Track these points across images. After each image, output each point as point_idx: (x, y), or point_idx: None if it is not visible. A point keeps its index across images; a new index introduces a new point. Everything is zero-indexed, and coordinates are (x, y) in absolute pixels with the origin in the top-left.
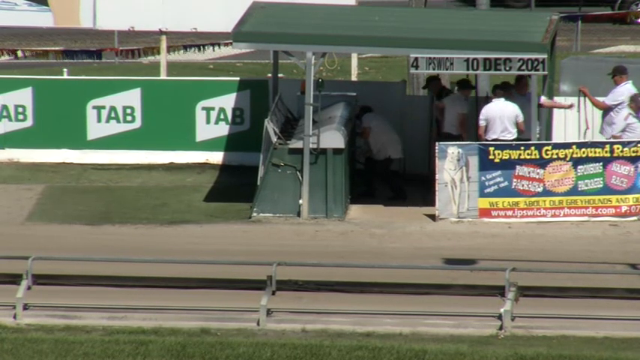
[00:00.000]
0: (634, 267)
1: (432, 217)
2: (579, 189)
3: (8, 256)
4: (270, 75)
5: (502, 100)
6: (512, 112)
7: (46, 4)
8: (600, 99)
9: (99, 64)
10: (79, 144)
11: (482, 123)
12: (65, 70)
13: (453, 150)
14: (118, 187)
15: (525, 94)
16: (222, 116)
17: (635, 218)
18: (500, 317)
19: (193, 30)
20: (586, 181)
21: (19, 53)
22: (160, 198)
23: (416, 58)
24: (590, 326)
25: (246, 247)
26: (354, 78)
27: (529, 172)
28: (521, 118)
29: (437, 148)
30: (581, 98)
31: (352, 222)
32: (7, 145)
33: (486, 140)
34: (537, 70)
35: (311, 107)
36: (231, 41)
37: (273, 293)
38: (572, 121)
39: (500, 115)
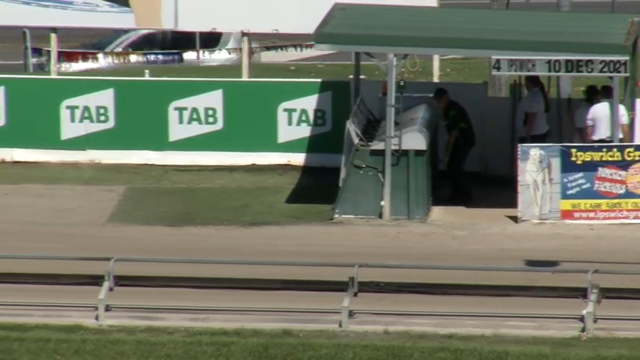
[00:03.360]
0: None
1: (514, 218)
2: None
3: (90, 257)
4: (351, 76)
5: (607, 103)
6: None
7: (128, 6)
8: None
9: (180, 66)
10: (161, 145)
11: (589, 123)
12: (147, 71)
13: (535, 152)
14: (200, 188)
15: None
16: (303, 117)
17: None
18: (581, 319)
19: (275, 31)
20: None
21: (100, 56)
22: (241, 199)
23: (497, 60)
24: None
25: (327, 248)
26: (435, 79)
27: (611, 174)
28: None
29: (519, 149)
30: None
31: (434, 224)
32: (89, 146)
33: (592, 141)
34: (619, 71)
35: (392, 109)
36: (313, 43)
37: (355, 294)
38: None
39: (607, 117)
